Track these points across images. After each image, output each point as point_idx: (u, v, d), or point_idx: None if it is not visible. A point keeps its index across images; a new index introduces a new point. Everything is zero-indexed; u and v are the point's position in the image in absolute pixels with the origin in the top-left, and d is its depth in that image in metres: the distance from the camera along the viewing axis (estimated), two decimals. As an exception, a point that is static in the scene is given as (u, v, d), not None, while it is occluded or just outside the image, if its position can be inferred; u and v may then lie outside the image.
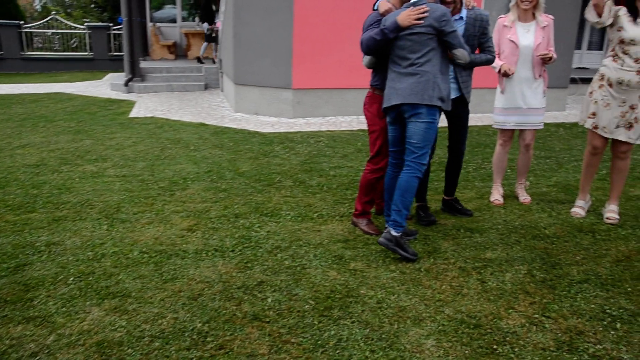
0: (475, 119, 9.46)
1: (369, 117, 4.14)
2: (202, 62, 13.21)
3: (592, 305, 3.22)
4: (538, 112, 4.73)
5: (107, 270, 3.50)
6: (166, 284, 3.34)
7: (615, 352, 2.79)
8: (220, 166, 5.92)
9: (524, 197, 5.01)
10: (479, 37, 4.19)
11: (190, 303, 3.12)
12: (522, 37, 4.55)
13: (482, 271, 3.60)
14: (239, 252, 3.79)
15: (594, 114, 4.43)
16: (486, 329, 2.95)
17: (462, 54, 3.68)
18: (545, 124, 8.91)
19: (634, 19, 4.16)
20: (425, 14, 3.55)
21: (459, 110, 4.33)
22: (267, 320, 2.97)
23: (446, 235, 4.18)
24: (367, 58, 4.00)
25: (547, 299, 3.27)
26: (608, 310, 3.17)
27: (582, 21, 14.43)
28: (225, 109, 9.66)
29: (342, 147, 6.97)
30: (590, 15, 4.27)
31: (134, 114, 9.02)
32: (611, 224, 4.50)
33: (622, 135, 4.35)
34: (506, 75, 4.57)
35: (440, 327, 2.95)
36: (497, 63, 4.56)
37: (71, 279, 3.38)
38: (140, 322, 2.92)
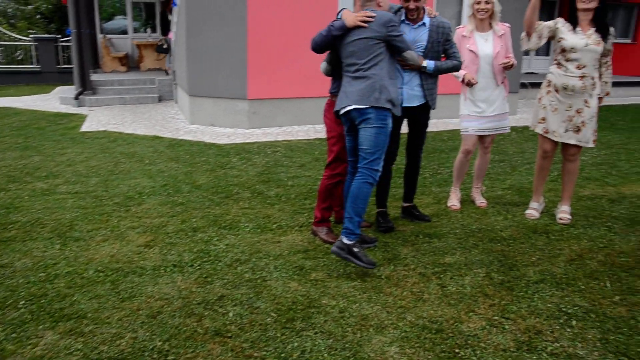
0: (430, 125, 9.60)
1: (327, 123, 4.18)
2: (167, 74, 13.00)
3: (549, 305, 3.30)
4: (503, 117, 4.84)
5: (61, 291, 3.38)
6: (124, 302, 3.25)
7: (571, 349, 2.87)
8: (177, 179, 5.82)
9: (481, 201, 5.10)
10: (443, 44, 4.24)
11: (149, 321, 3.05)
12: (481, 47, 4.65)
13: (442, 276, 3.64)
14: (198, 267, 3.72)
15: (543, 119, 4.57)
16: (448, 333, 2.98)
17: (411, 55, 3.82)
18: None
19: (574, 28, 4.34)
20: (371, 19, 3.62)
21: (421, 116, 4.43)
22: (229, 335, 2.93)
23: (405, 242, 4.21)
24: (323, 64, 4.06)
25: (506, 301, 3.33)
26: (564, 309, 3.25)
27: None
28: (180, 121, 9.53)
29: (299, 157, 6.96)
30: (523, 42, 4.55)
31: (85, 128, 8.80)
32: (564, 224, 4.64)
33: (572, 139, 4.50)
34: (470, 84, 4.66)
35: (402, 334, 2.96)
36: (461, 73, 4.66)
37: (22, 302, 3.25)
38: (98, 344, 2.83)
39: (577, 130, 4.47)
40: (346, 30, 3.71)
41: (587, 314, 3.21)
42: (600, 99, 4.52)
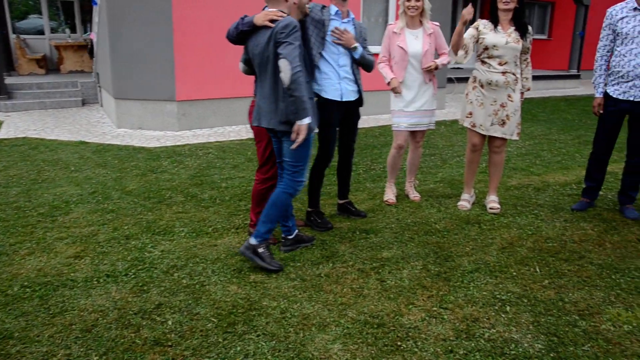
0: (361, 122, 9.72)
1: (254, 128, 4.03)
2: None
3: (484, 292, 3.40)
4: (431, 114, 4.95)
5: (-16, 309, 3.18)
6: (54, 318, 3.09)
7: (507, 333, 2.97)
8: (106, 186, 5.61)
9: (414, 194, 5.21)
10: (362, 43, 4.33)
11: (83, 336, 2.92)
12: (410, 44, 4.74)
13: (381, 270, 3.69)
14: (133, 276, 3.60)
15: (470, 113, 4.75)
16: (389, 327, 3.02)
17: (284, 65, 3.32)
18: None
19: (495, 27, 4.55)
20: (279, 18, 3.42)
21: (355, 111, 4.48)
22: (169, 344, 2.85)
23: (343, 239, 4.24)
24: (240, 64, 3.89)
25: (443, 291, 3.41)
26: (498, 295, 3.37)
27: (454, 25, 15.36)
28: (106, 125, 9.19)
29: (232, 158, 6.87)
30: (450, 56, 4.77)
31: (2, 135, 8.33)
32: (494, 214, 4.81)
33: (497, 132, 4.68)
34: (394, 91, 4.76)
35: (345, 331, 2.97)
36: (388, 75, 4.76)
37: (-58, 324, 3.03)
38: (28, 363, 2.69)
39: (503, 123, 4.65)
40: (254, 29, 3.52)
41: (520, 299, 3.34)
42: (521, 94, 4.71)
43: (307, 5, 3.93)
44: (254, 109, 3.79)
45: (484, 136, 4.79)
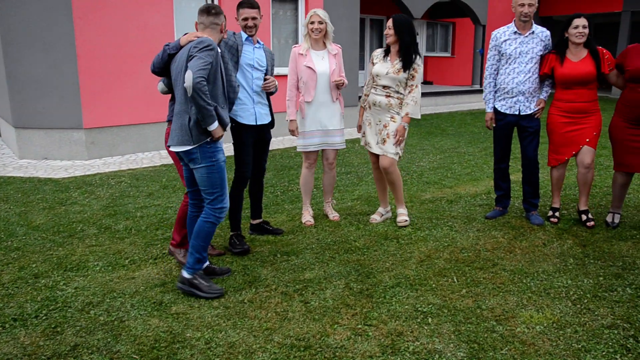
0: (277, 142, 9.75)
1: (171, 154, 3.96)
2: None
3: (406, 306, 3.48)
4: (338, 133, 5.04)
5: None
6: (-45, 370, 2.85)
7: (430, 345, 3.05)
8: (9, 222, 5.27)
9: (333, 214, 5.26)
10: (272, 69, 4.55)
11: (-11, 387, 2.71)
12: (318, 64, 4.85)
13: (304, 292, 3.69)
14: (45, 317, 3.39)
15: (364, 133, 5.05)
16: (316, 348, 3.01)
17: (187, 76, 3.31)
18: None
19: (384, 57, 4.86)
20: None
21: (267, 134, 4.60)
22: (87, 387, 2.70)
23: (264, 262, 4.21)
24: (160, 83, 3.89)
25: (367, 308, 3.46)
26: (420, 308, 3.45)
27: (362, 44, 15.81)
28: (6, 155, 8.66)
29: (146, 186, 6.67)
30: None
31: None
32: (404, 226, 4.95)
33: (379, 150, 4.93)
34: (292, 133, 4.94)
35: (272, 356, 2.94)
36: (290, 114, 4.93)
37: None
38: None
39: (383, 142, 4.89)
40: (179, 50, 3.61)
41: (441, 310, 3.43)
42: (403, 118, 4.85)
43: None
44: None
45: (378, 155, 4.99)
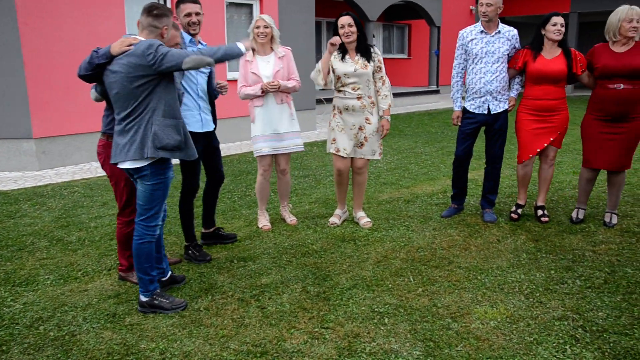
0: (234, 147, 9.69)
1: (107, 169, 3.75)
2: None
3: (363, 308, 3.49)
4: (292, 136, 5.02)
5: None
6: None
7: (387, 345, 3.06)
8: (-45, 237, 5.08)
9: (291, 218, 5.25)
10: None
11: None
12: (263, 69, 4.83)
13: (261, 297, 3.66)
14: (-10, 335, 3.27)
15: (334, 140, 4.94)
16: (273, 354, 2.99)
17: (192, 60, 3.22)
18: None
19: (343, 57, 4.79)
20: (136, 42, 3.26)
21: (214, 140, 4.50)
22: (35, 405, 2.61)
23: (221, 269, 4.16)
24: (92, 91, 3.58)
25: (324, 311, 3.45)
26: (376, 309, 3.47)
27: (319, 48, 15.86)
28: (-47, 169, 8.36)
29: (100, 195, 6.53)
30: (318, 80, 4.80)
31: None
32: (368, 228, 4.97)
33: (357, 154, 4.92)
34: (267, 88, 4.79)
35: (228, 364, 2.90)
36: (256, 87, 4.82)
37: None
38: None
39: (361, 145, 4.88)
40: (111, 59, 3.28)
41: (397, 310, 3.46)
42: (385, 112, 4.94)
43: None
44: (112, 145, 3.48)
45: (347, 161, 4.98)
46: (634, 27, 4.53)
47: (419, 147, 9.48)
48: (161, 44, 3.24)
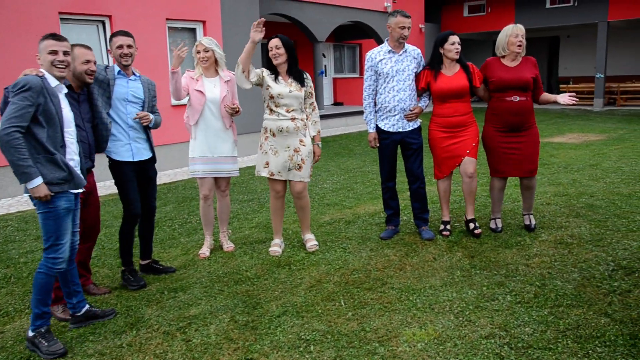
0: (181, 173, 9.54)
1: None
2: None
3: (290, 336, 3.42)
4: (231, 161, 4.95)
5: None
6: None
7: (313, 374, 2.99)
8: None
9: (228, 245, 5.15)
10: (152, 100, 4.39)
11: None
12: (209, 91, 4.77)
13: (187, 330, 3.55)
14: None
15: (267, 163, 4.86)
16: (192, 390, 2.89)
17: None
18: (245, 168, 9.46)
19: (276, 78, 4.75)
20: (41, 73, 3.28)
21: (150, 170, 4.42)
22: None
23: (150, 301, 4.04)
24: None
25: (250, 341, 3.37)
26: (303, 336, 3.40)
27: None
28: None
29: (35, 229, 6.30)
30: (241, 79, 4.64)
31: None
32: (313, 251, 4.92)
33: (296, 177, 4.86)
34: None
35: (144, 404, 2.79)
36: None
37: None
38: None
39: (299, 167, 4.83)
40: None
41: (324, 336, 3.39)
42: (315, 138, 4.94)
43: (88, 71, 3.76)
44: None
45: (284, 182, 4.93)
46: (520, 42, 4.87)
47: (367, 166, 9.51)
48: (26, 92, 3.15)
